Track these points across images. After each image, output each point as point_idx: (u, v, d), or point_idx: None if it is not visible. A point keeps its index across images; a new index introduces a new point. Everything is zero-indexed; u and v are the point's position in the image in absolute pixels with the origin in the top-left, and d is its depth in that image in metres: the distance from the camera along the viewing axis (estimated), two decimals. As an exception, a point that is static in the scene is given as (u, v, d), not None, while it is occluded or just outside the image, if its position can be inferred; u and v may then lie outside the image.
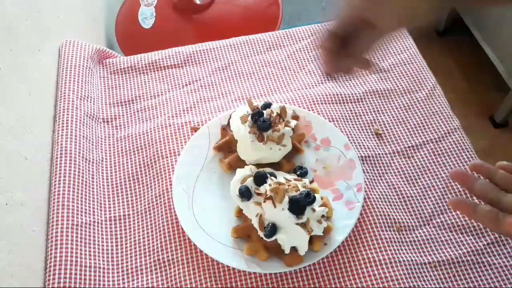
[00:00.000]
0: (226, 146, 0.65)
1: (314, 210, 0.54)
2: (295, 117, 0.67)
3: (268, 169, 0.59)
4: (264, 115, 0.61)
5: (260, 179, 0.56)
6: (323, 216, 0.56)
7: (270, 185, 0.55)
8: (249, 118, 0.62)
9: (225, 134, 0.66)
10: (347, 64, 0.50)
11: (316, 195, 0.55)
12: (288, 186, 0.54)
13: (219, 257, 0.56)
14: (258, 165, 0.61)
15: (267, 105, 0.63)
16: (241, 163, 0.62)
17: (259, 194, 0.55)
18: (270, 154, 0.61)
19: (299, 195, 0.53)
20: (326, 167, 0.64)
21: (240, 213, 0.59)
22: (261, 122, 0.60)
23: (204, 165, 0.65)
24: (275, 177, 0.57)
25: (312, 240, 0.55)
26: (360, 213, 0.59)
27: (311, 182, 0.61)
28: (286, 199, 0.53)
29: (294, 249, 0.55)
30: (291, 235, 0.54)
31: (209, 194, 0.63)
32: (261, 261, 0.56)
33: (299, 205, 0.53)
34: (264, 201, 0.53)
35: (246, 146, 0.61)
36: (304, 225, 0.53)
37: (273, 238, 0.54)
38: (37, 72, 0.66)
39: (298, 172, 0.62)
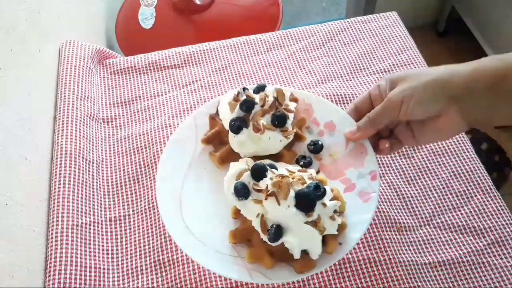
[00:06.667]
0: (216, 138, 0.58)
1: (325, 205, 0.47)
2: (294, 99, 0.59)
3: (267, 161, 0.52)
4: (257, 100, 0.54)
5: (258, 172, 0.48)
6: (335, 211, 0.48)
7: (271, 178, 0.48)
8: (237, 107, 0.54)
9: (214, 124, 0.58)
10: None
11: (325, 187, 0.48)
12: (293, 178, 0.47)
13: (216, 268, 0.49)
14: (255, 157, 0.54)
15: (261, 88, 0.56)
16: (235, 156, 0.55)
17: (258, 191, 0.48)
18: (269, 145, 0.53)
19: (307, 189, 0.46)
20: (332, 154, 0.57)
21: (237, 214, 0.52)
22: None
23: (193, 161, 0.57)
24: (276, 169, 0.50)
25: (325, 240, 0.48)
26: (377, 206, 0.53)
27: (317, 172, 0.52)
28: (292, 194, 0.46)
29: (305, 252, 0.48)
30: (301, 237, 0.46)
31: (200, 194, 0.56)
32: (267, 269, 0.49)
33: (308, 200, 0.45)
34: (266, 199, 0.46)
35: (240, 137, 0.54)
36: (315, 224, 0.46)
37: (279, 242, 0.46)
38: (37, 72, 0.66)
39: (301, 162, 0.55)
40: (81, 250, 0.57)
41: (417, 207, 0.62)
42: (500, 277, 0.56)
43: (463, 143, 0.67)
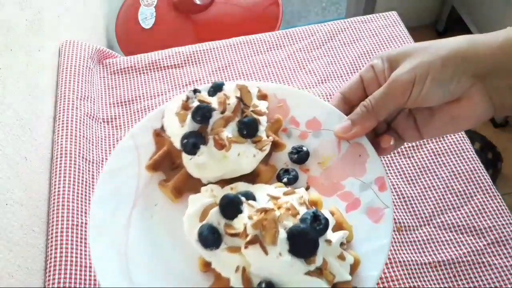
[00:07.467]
0: (166, 161, 0.43)
1: (329, 242, 0.34)
2: (263, 96, 0.46)
3: (240, 186, 0.38)
4: (215, 104, 0.41)
5: (230, 207, 0.35)
6: (341, 244, 0.36)
7: (250, 217, 0.34)
8: (189, 117, 0.41)
9: (161, 142, 0.44)
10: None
11: (324, 212, 0.35)
12: (279, 208, 0.34)
13: None
14: (223, 181, 0.40)
15: (217, 88, 0.42)
16: (195, 183, 0.41)
17: (234, 235, 0.34)
18: (240, 163, 0.40)
19: (302, 224, 0.33)
20: (322, 161, 0.44)
21: (207, 265, 0.37)
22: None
23: (137, 197, 0.42)
24: (254, 199, 0.36)
25: None
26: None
27: (306, 189, 0.41)
28: (283, 235, 0.33)
29: None
30: None
31: (154, 243, 0.40)
32: None
33: (307, 240, 0.32)
34: (246, 247, 0.33)
35: (198, 159, 0.40)
36: (320, 272, 0.33)
37: None
38: (37, 72, 0.66)
39: (285, 179, 0.42)
40: (81, 250, 0.57)
41: (417, 207, 0.62)
42: (500, 277, 0.56)
43: (463, 143, 0.67)
